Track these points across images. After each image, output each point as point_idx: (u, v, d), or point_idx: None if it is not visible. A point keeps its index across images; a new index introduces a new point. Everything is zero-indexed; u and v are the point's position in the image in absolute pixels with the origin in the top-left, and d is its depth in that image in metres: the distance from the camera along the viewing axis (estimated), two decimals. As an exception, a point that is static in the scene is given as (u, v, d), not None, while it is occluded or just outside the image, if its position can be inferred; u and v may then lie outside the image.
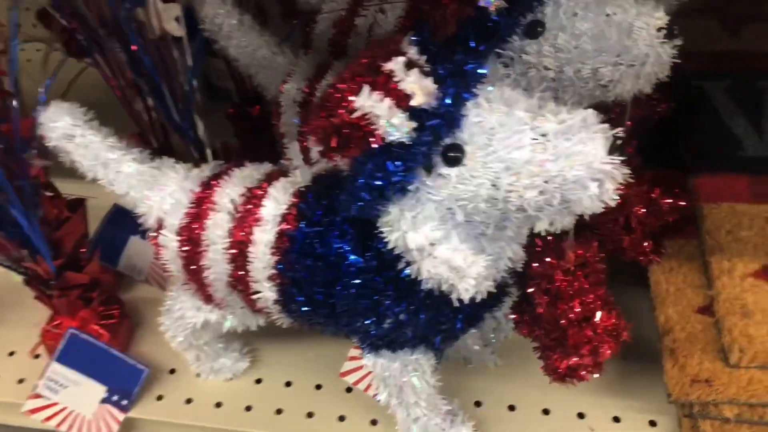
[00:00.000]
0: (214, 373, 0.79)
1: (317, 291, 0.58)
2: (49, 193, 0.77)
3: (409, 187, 0.46)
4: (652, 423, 0.71)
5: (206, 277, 0.63)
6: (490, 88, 0.46)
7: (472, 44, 0.48)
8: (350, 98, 0.43)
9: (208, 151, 0.84)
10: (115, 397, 0.78)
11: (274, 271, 0.59)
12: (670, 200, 0.66)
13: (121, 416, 0.77)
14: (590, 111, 0.43)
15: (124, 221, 0.87)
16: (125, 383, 0.78)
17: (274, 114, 0.78)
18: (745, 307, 0.61)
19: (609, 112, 0.72)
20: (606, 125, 0.43)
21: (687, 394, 0.61)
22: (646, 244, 0.68)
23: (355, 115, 0.43)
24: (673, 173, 0.68)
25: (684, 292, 0.67)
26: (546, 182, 0.43)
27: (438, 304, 0.55)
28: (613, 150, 0.42)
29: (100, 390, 0.78)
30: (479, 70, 0.46)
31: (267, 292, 0.60)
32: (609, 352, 0.60)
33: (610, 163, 0.42)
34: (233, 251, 0.60)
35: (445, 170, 0.45)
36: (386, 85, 0.43)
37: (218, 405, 0.78)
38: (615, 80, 0.56)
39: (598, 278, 0.61)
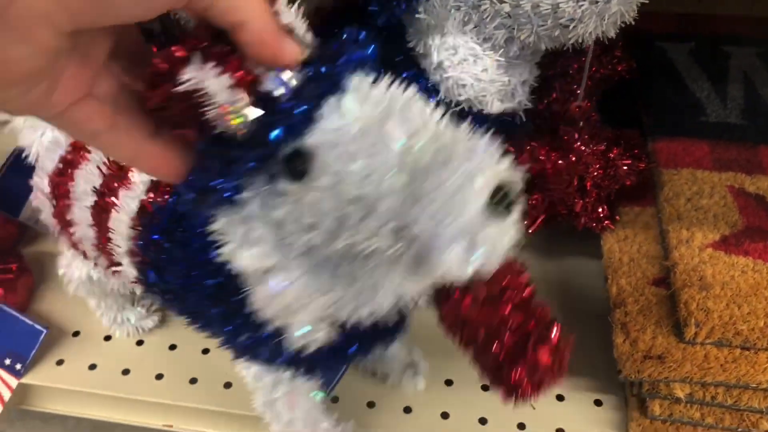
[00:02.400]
0: (118, 325, 0.72)
1: (173, 281, 0.49)
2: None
3: (241, 197, 0.34)
4: (598, 402, 0.67)
5: (73, 234, 0.55)
6: (366, 79, 0.34)
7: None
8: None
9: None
10: (7, 361, 0.69)
11: (133, 247, 0.50)
12: (629, 161, 0.60)
13: (14, 382, 0.69)
14: (491, 141, 0.33)
15: (28, 167, 0.78)
16: (20, 346, 0.70)
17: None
18: (704, 280, 0.57)
19: (567, 66, 0.67)
20: (506, 160, 0.32)
21: (638, 371, 0.56)
22: (600, 209, 0.63)
23: (182, 88, 0.31)
24: (633, 134, 0.63)
25: (638, 263, 0.62)
26: (402, 228, 0.32)
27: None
28: (500, 202, 0.31)
29: (-10, 352, 0.69)
30: (360, 52, 0.34)
31: (127, 268, 0.52)
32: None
33: (489, 221, 0.30)
34: (95, 213, 0.51)
35: (284, 184, 0.34)
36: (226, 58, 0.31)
37: (126, 372, 0.70)
38: (577, 19, 0.50)
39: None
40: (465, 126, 0.34)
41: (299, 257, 0.36)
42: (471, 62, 0.54)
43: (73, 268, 0.64)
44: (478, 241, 0.31)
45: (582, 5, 0.49)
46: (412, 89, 0.35)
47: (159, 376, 0.70)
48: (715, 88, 0.72)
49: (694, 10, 0.83)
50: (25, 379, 0.69)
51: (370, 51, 0.35)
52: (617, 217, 0.65)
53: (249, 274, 0.38)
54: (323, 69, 0.33)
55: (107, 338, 0.73)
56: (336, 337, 0.43)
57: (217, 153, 0.32)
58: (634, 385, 0.62)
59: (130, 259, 0.50)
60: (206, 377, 0.69)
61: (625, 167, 0.60)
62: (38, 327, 0.70)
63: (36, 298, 0.77)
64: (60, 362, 0.71)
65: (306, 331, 0.40)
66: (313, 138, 0.32)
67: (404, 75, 0.59)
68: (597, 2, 0.49)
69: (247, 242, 0.36)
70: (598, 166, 0.60)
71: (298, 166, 0.33)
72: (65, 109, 0.30)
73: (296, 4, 0.34)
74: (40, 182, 0.55)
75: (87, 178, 0.52)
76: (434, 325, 0.71)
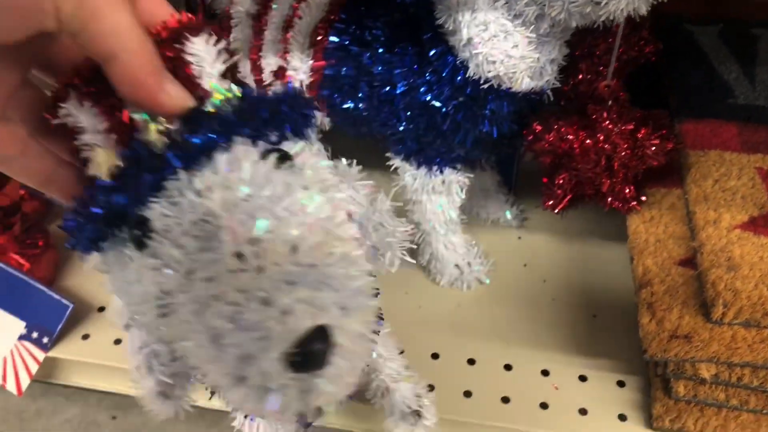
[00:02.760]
0: None
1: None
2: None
3: (102, 246, 0.32)
4: (621, 383, 0.67)
5: None
6: (250, 154, 0.30)
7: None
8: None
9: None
10: (35, 335, 0.70)
11: None
12: (657, 142, 0.60)
13: (41, 355, 0.70)
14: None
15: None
16: (47, 320, 0.70)
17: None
18: (731, 260, 0.56)
19: (593, 47, 0.67)
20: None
21: (664, 350, 0.56)
22: (627, 189, 0.62)
23: (55, 122, 0.30)
24: (662, 114, 0.63)
25: (665, 244, 0.62)
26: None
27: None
28: (307, 356, 0.27)
29: (18, 326, 0.70)
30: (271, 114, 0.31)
31: None
32: None
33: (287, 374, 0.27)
34: None
35: (129, 251, 0.31)
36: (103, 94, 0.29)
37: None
38: (609, -5, 0.50)
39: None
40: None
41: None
42: (501, 38, 0.54)
43: None
44: (270, 390, 0.28)
45: (615, -19, 0.49)
46: (315, 170, 0.32)
47: (183, 352, 0.70)
48: (744, 71, 0.72)
49: (722, -8, 0.82)
50: (52, 353, 0.70)
51: (301, 114, 0.32)
52: (643, 198, 0.64)
53: None
54: (202, 131, 0.28)
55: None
56: None
57: (79, 202, 0.30)
58: (658, 365, 0.62)
59: None
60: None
61: (653, 147, 0.60)
62: (65, 301, 0.71)
63: (61, 274, 0.78)
64: (86, 337, 0.72)
65: None
66: (154, 212, 0.29)
67: (433, 52, 0.60)
68: (630, -22, 0.49)
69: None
70: (626, 145, 0.60)
71: (140, 235, 0.30)
72: None
73: (213, 38, 0.30)
74: None
75: None
76: (454, 306, 0.72)
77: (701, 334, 0.56)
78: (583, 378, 0.67)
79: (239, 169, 0.29)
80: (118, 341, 0.71)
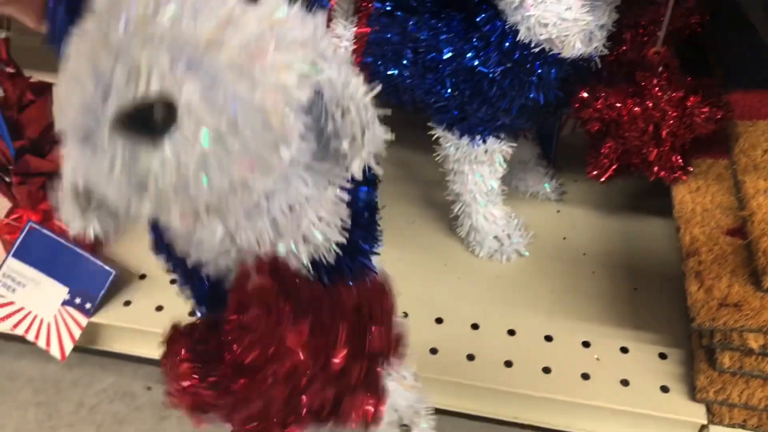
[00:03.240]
0: None
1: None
2: (10, 70, 0.69)
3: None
4: (662, 355, 0.66)
5: None
6: None
7: None
8: None
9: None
10: (78, 300, 0.71)
11: None
12: (707, 110, 0.59)
13: (84, 321, 0.70)
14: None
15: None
16: (90, 285, 0.71)
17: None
18: (783, 229, 0.56)
19: (639, 17, 0.66)
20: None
21: (713, 319, 0.56)
22: (675, 158, 0.62)
23: None
24: (711, 82, 0.62)
25: (712, 213, 0.61)
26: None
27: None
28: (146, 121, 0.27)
29: (61, 291, 0.71)
30: None
31: None
32: None
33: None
34: None
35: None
36: None
37: (193, 314, 0.71)
38: (666, -44, 0.49)
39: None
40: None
41: None
42: (555, 1, 0.54)
43: None
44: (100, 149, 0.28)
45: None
46: None
47: (224, 319, 0.71)
48: (792, 41, 0.70)
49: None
50: (95, 318, 0.71)
51: None
52: (690, 168, 0.64)
53: None
54: None
55: (173, 281, 0.74)
56: None
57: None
58: (703, 336, 0.61)
59: None
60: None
61: (702, 116, 0.59)
62: (107, 268, 0.71)
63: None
64: (127, 303, 0.73)
65: None
66: None
67: (481, 16, 0.59)
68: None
69: None
70: (674, 113, 0.59)
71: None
72: None
73: None
74: None
75: None
76: (493, 277, 0.71)
77: (751, 302, 0.55)
78: (624, 350, 0.67)
79: None
80: (159, 308, 0.72)
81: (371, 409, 0.37)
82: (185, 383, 0.37)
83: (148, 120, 0.27)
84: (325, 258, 0.39)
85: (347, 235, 0.39)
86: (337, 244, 0.39)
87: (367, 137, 0.35)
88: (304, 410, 0.36)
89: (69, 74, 0.28)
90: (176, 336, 0.39)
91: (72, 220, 0.34)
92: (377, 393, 0.38)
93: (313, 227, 0.38)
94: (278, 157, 0.30)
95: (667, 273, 0.73)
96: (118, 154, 0.27)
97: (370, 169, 0.37)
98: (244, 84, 0.28)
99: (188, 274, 0.43)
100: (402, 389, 0.55)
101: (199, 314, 0.49)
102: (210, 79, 0.27)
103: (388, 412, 0.54)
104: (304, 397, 0.35)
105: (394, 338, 0.37)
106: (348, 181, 0.39)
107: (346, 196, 0.39)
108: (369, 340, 0.36)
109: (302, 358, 0.34)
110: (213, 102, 0.27)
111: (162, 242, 0.43)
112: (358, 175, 0.36)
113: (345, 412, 0.37)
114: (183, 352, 0.37)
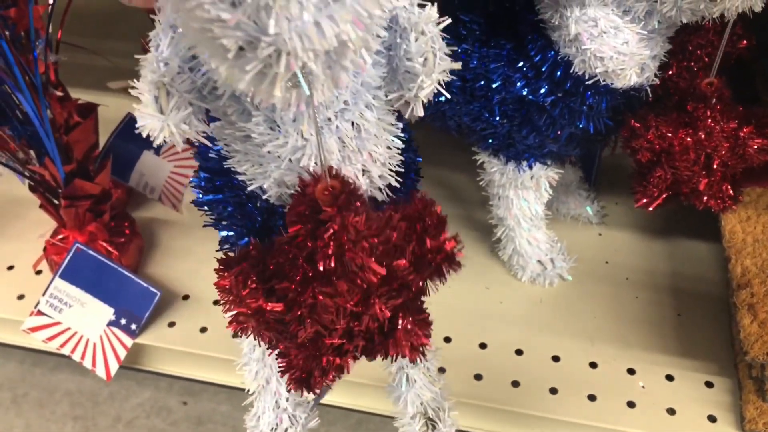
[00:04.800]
0: None
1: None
2: (59, 93, 0.70)
3: None
4: (709, 384, 0.66)
5: None
6: None
7: None
8: None
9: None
10: (123, 321, 0.71)
11: None
12: (761, 140, 0.59)
13: (129, 341, 0.71)
14: None
15: (137, 133, 0.79)
16: (135, 306, 0.72)
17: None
18: (838, 263, 0.55)
19: (685, 43, 0.66)
20: None
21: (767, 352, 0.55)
22: (725, 188, 0.61)
23: None
24: (765, 112, 0.61)
25: (764, 244, 0.61)
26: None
27: None
28: None
29: (107, 312, 0.71)
30: None
31: None
32: None
33: None
34: None
35: None
36: None
37: (236, 336, 0.72)
38: (727, -9, 0.49)
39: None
40: None
41: None
42: (612, 35, 0.53)
43: None
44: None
45: (733, -23, 0.48)
46: None
47: (268, 341, 0.71)
48: (841, 67, 0.70)
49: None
50: (139, 339, 0.72)
51: None
52: (740, 198, 0.63)
53: None
54: None
55: (216, 302, 0.74)
56: None
57: None
58: (753, 367, 0.61)
59: None
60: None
61: (756, 146, 0.59)
62: (153, 289, 0.72)
63: (145, 263, 0.79)
64: (171, 324, 0.73)
65: None
66: None
67: (531, 46, 0.59)
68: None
69: None
70: (726, 144, 0.59)
71: None
72: None
73: None
74: None
75: None
76: (536, 302, 0.71)
77: (806, 337, 0.55)
78: (670, 377, 0.67)
79: None
80: (203, 329, 0.72)
81: (423, 338, 0.39)
82: (252, 302, 0.38)
83: None
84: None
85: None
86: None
87: (438, 61, 0.39)
88: (364, 327, 0.37)
89: None
90: (231, 262, 0.39)
91: (151, 121, 0.37)
92: (425, 325, 0.40)
93: (371, 160, 0.41)
94: (373, 34, 0.29)
95: (712, 298, 0.72)
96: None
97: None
98: None
99: (241, 207, 0.45)
100: (427, 381, 0.56)
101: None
102: None
103: (414, 403, 0.56)
104: (375, 301, 0.36)
105: (449, 248, 0.38)
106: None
107: (399, 143, 0.43)
108: (426, 251, 0.37)
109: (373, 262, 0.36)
110: None
111: (215, 181, 0.45)
112: (426, 96, 0.40)
113: (399, 337, 0.38)
114: (245, 273, 0.38)
